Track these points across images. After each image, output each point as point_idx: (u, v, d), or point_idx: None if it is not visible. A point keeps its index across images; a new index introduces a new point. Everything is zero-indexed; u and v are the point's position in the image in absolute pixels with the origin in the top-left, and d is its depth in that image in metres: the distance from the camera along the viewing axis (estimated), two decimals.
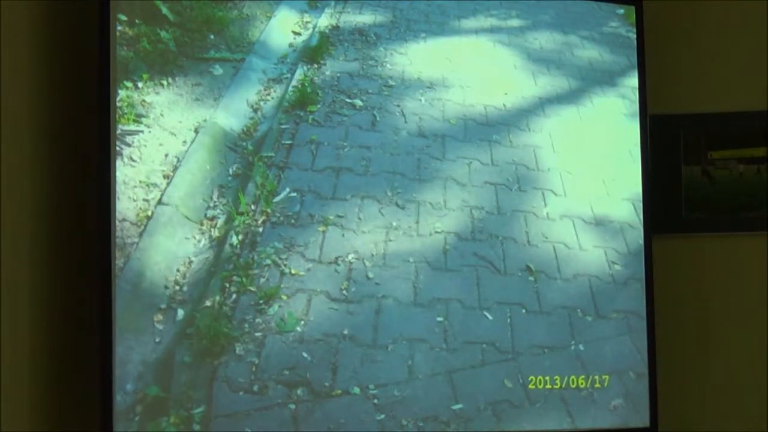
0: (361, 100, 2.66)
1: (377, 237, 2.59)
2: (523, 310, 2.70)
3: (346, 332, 2.51)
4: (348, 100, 2.64)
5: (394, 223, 2.61)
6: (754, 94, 3.05)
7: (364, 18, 2.72)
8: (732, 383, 3.03)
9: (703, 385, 3.05)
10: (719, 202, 3.07)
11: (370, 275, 2.56)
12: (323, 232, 2.54)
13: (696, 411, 3.04)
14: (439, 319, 2.61)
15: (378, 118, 2.67)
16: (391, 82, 2.70)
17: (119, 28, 2.40)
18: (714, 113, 3.07)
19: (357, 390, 2.50)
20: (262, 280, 2.47)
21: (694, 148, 3.09)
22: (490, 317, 2.66)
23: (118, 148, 2.37)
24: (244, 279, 2.45)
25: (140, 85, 2.41)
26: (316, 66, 2.64)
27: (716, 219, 3.07)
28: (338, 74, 2.65)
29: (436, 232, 2.65)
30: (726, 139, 3.07)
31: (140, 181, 2.39)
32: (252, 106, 2.54)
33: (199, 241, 2.43)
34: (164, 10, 2.46)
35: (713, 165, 3.08)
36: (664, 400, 2.87)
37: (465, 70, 2.80)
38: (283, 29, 2.62)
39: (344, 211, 2.57)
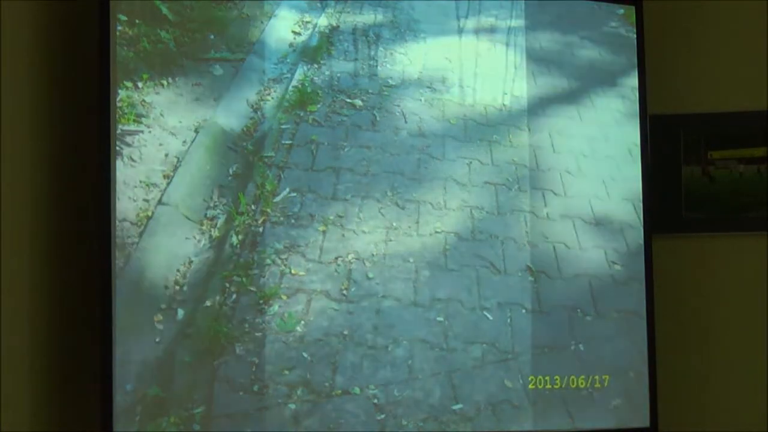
0: (361, 100, 2.65)
1: (377, 237, 2.59)
2: (523, 310, 2.70)
3: (346, 332, 2.51)
4: (348, 100, 2.64)
5: (394, 223, 2.61)
6: (754, 94, 3.05)
7: (364, 18, 2.71)
8: (732, 383, 3.03)
9: (703, 385, 3.05)
10: (719, 202, 3.07)
11: (370, 275, 2.56)
12: (323, 232, 2.54)
13: (696, 411, 3.04)
14: (439, 319, 2.61)
15: (378, 118, 2.66)
16: (391, 82, 2.70)
17: (119, 28, 2.40)
18: (714, 113, 3.07)
19: (357, 390, 2.50)
20: (262, 280, 2.47)
21: (694, 148, 3.08)
22: (490, 317, 2.66)
23: (118, 148, 2.37)
24: (244, 279, 2.45)
25: (140, 85, 2.41)
26: (316, 66, 2.63)
27: (716, 219, 3.07)
28: (338, 74, 2.65)
29: (436, 232, 2.65)
30: (726, 139, 3.07)
31: (140, 181, 2.38)
32: (252, 106, 2.54)
33: (200, 241, 2.43)
34: (164, 10, 2.46)
35: (713, 165, 3.08)
36: (664, 400, 2.87)
37: (465, 70, 2.80)
38: (283, 29, 2.62)
39: (344, 211, 2.57)
